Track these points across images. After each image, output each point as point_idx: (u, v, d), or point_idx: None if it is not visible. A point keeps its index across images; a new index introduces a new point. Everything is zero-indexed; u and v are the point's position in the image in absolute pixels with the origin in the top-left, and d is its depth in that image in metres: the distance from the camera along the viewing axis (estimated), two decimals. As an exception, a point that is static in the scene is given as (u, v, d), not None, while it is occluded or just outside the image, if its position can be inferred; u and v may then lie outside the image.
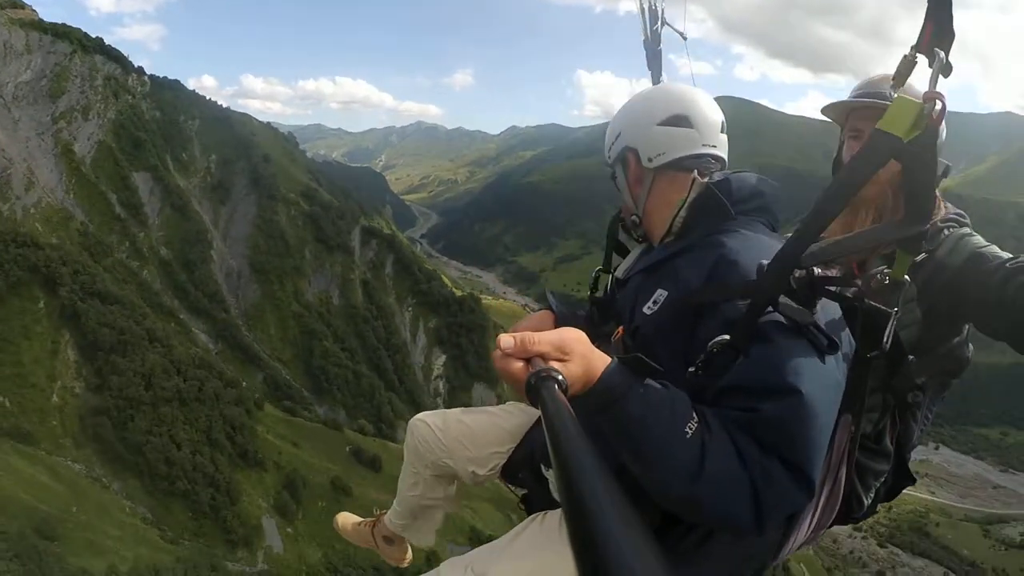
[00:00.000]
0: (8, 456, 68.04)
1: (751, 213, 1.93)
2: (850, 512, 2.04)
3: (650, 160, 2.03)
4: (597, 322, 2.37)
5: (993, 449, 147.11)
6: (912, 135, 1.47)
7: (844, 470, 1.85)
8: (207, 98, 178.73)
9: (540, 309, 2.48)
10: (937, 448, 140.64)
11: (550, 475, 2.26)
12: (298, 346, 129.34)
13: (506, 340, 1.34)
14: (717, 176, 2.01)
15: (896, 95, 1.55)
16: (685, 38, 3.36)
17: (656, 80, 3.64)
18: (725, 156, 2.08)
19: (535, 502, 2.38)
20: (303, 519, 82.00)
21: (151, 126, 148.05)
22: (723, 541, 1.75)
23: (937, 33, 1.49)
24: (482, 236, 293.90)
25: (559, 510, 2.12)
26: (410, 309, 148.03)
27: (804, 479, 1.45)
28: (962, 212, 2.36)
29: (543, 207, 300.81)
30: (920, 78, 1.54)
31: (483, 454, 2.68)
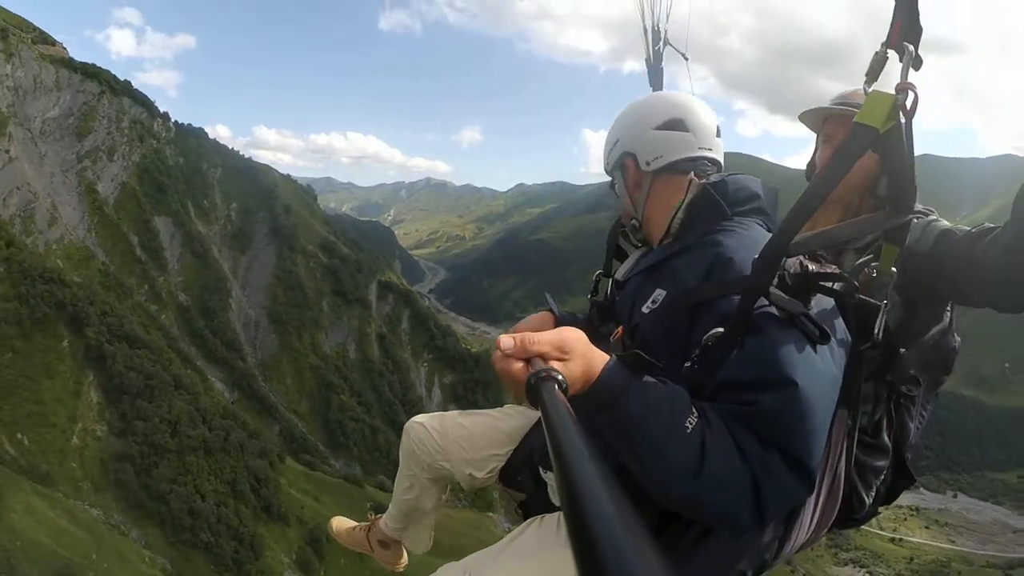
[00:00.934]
0: (29, 497, 65.33)
1: (748, 214, 1.95)
2: (852, 513, 2.03)
3: (648, 164, 2.07)
4: (597, 324, 2.39)
5: (1011, 493, 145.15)
6: (888, 125, 1.52)
7: (843, 465, 1.86)
8: (229, 147, 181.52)
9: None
10: (955, 496, 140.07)
11: (548, 478, 2.26)
12: (315, 399, 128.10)
13: (506, 340, 1.35)
14: (714, 178, 2.04)
15: (871, 89, 1.62)
16: (687, 58, 3.44)
17: None
18: (721, 159, 2.12)
19: (533, 506, 2.36)
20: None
21: (174, 171, 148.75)
22: (721, 539, 1.73)
23: (905, 28, 1.55)
24: (491, 292, 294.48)
25: (556, 514, 2.16)
26: (426, 364, 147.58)
27: (804, 471, 1.47)
28: (929, 207, 2.39)
29: (552, 263, 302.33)
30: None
31: (481, 456, 2.66)
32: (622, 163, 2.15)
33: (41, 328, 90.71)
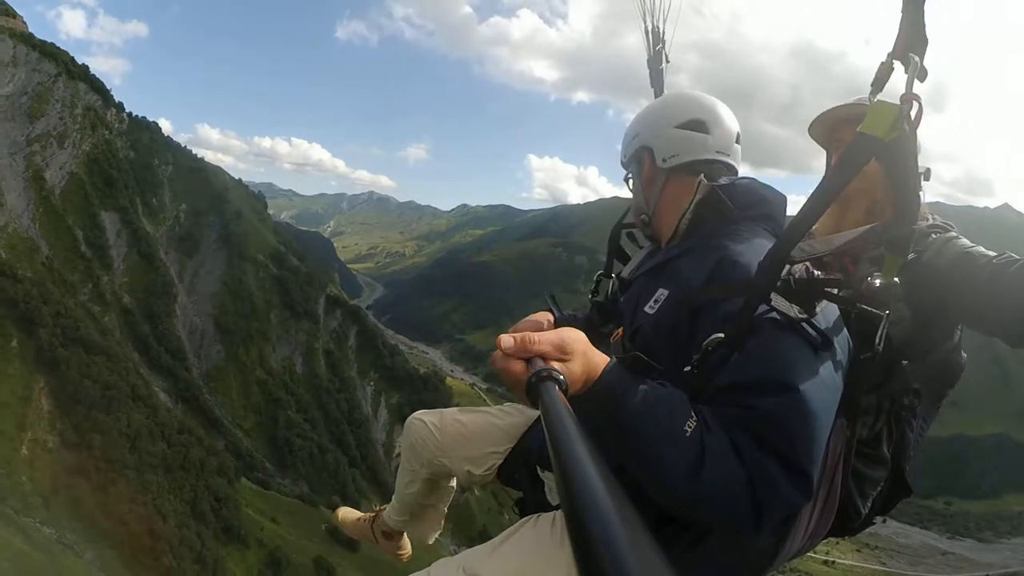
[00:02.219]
0: None
1: (755, 219, 1.97)
2: (847, 522, 2.05)
3: (664, 160, 2.08)
4: (597, 324, 2.48)
5: (938, 519, 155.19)
6: (892, 135, 1.53)
7: (840, 474, 1.86)
8: (183, 146, 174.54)
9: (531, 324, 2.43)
10: (884, 521, 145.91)
11: (546, 477, 2.33)
12: (261, 414, 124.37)
13: (507, 340, 1.35)
14: (723, 181, 2.06)
15: (875, 99, 1.64)
16: (667, 62, 3.57)
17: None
18: (738, 166, 2.13)
19: (530, 504, 2.42)
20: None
21: (124, 165, 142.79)
22: (717, 542, 1.74)
23: (911, 39, 1.56)
24: (430, 312, 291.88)
25: (552, 513, 2.19)
26: (372, 383, 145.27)
27: (802, 477, 1.47)
28: (949, 222, 2.46)
29: (493, 286, 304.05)
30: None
31: (479, 454, 2.71)
32: (639, 157, 2.16)
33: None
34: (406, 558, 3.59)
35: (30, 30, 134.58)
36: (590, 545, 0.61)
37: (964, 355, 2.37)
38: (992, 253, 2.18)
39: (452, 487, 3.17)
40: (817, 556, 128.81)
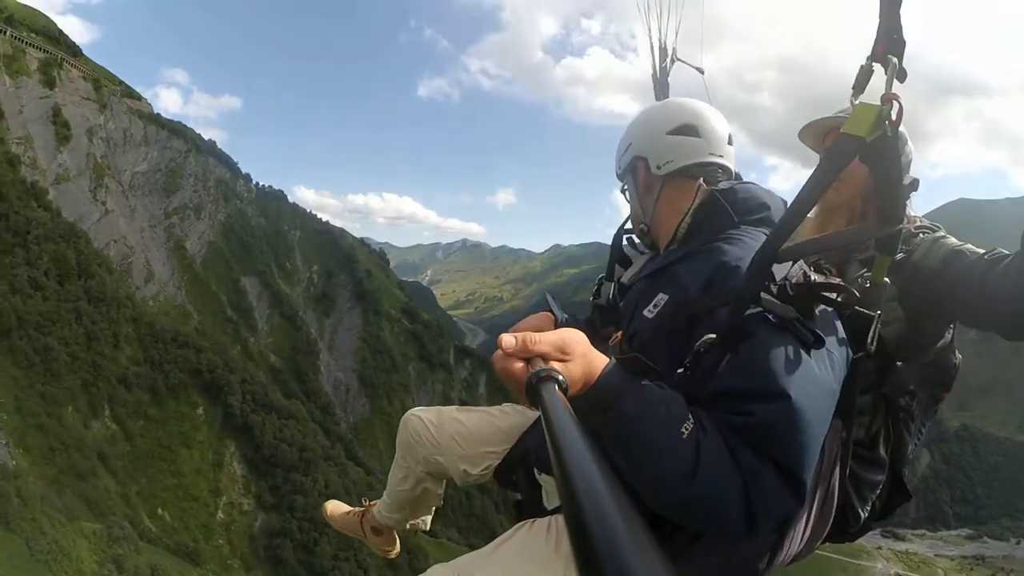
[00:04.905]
0: None
1: (755, 224, 1.94)
2: (846, 527, 2.02)
3: (659, 167, 2.06)
4: (598, 326, 2.42)
5: None
6: (874, 135, 1.54)
7: (837, 476, 1.85)
8: (308, 210, 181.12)
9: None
10: (1019, 543, 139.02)
11: (544, 480, 2.26)
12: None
13: (508, 339, 1.35)
14: (723, 185, 2.04)
15: (857, 102, 1.64)
16: (702, 72, 3.44)
17: None
18: (732, 167, 2.10)
19: (527, 507, 2.35)
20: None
21: (257, 232, 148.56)
22: (712, 545, 1.72)
23: (889, 41, 1.58)
24: None
25: (547, 519, 2.13)
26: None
27: (796, 483, 1.47)
28: (936, 223, 2.42)
29: None
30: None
31: (476, 453, 2.65)
32: (633, 166, 2.13)
33: (174, 395, 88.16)
34: (394, 555, 3.58)
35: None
36: (591, 545, 0.61)
37: (959, 356, 2.37)
38: (981, 250, 2.19)
39: (442, 488, 3.12)
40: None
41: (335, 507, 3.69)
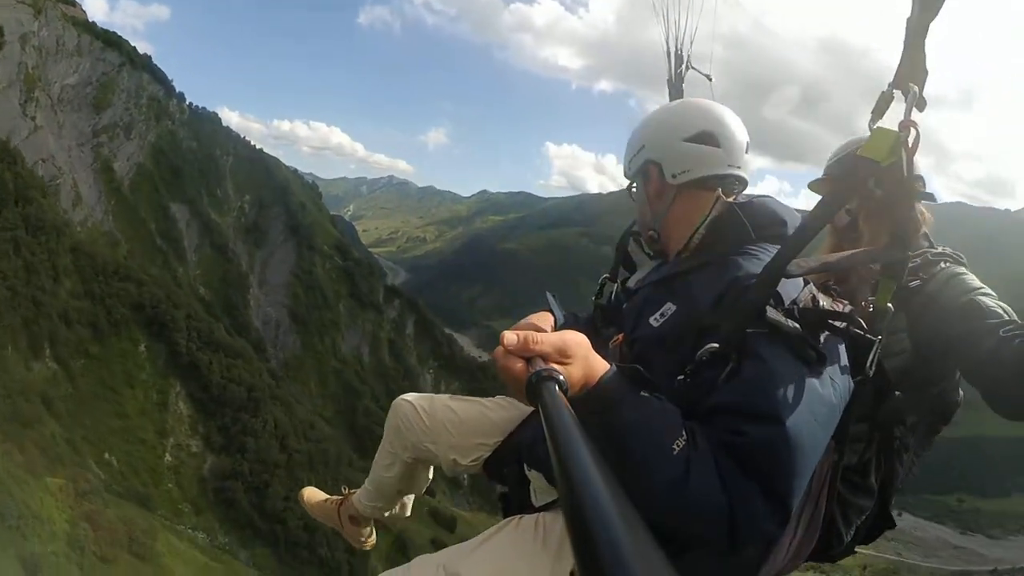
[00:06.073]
0: (163, 533, 63.16)
1: (771, 239, 1.89)
2: (829, 548, 2.03)
3: (674, 176, 1.98)
4: (599, 327, 2.49)
5: (952, 515, 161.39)
6: (890, 160, 1.56)
7: (824, 498, 1.85)
8: (243, 137, 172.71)
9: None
10: (900, 514, 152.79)
11: (533, 476, 2.27)
12: (339, 403, 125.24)
13: (510, 337, 1.34)
14: (741, 198, 2.02)
15: (875, 126, 1.67)
16: (711, 79, 3.43)
17: None
18: (748, 178, 2.05)
19: (514, 502, 2.40)
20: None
21: (188, 156, 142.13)
22: (701, 555, 1.68)
23: (911, 70, 1.61)
24: (458, 298, 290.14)
25: (535, 515, 2.17)
26: (431, 372, 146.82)
27: (781, 509, 1.47)
28: (959, 252, 2.48)
29: (519, 274, 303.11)
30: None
31: (467, 443, 2.65)
32: (645, 170, 2.06)
33: (116, 331, 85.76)
34: (370, 546, 3.54)
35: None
36: (591, 545, 0.61)
37: (961, 393, 2.45)
38: (998, 308, 2.20)
39: (429, 476, 3.15)
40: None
41: (312, 494, 3.63)
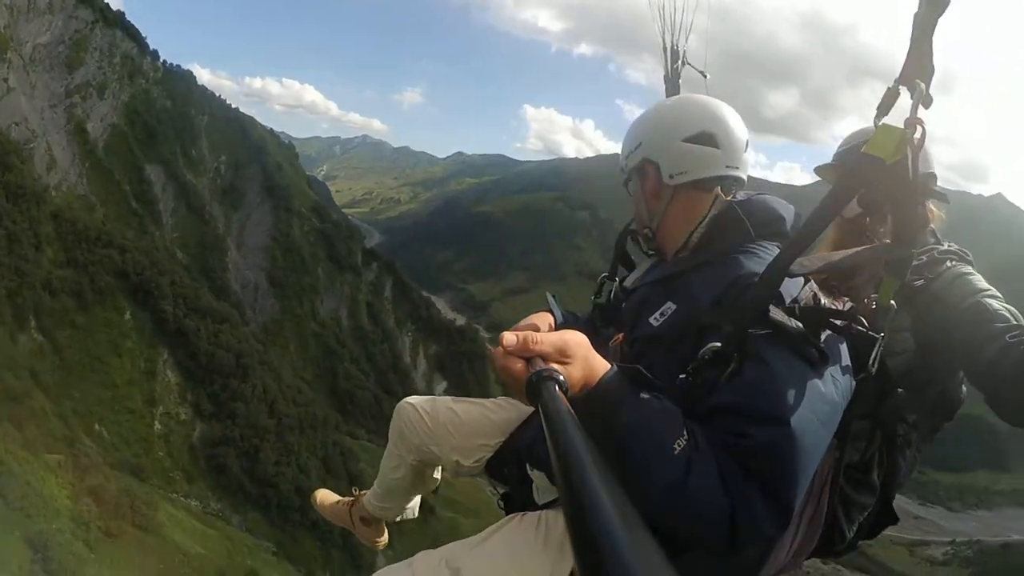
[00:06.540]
0: (162, 503, 63.96)
1: (771, 238, 1.90)
2: (831, 545, 2.03)
3: (671, 177, 1.97)
4: (598, 326, 2.50)
5: (912, 485, 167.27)
6: (895, 158, 1.52)
7: (827, 495, 1.85)
8: (218, 95, 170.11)
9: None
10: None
11: (535, 475, 2.28)
12: (319, 366, 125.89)
13: (509, 337, 1.34)
14: (740, 196, 2.00)
15: (880, 123, 1.64)
16: (706, 76, 3.40)
17: None
18: (746, 177, 2.04)
19: (516, 501, 2.40)
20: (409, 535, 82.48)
21: (162, 116, 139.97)
22: (701, 554, 1.64)
23: (918, 65, 1.57)
24: (431, 260, 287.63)
25: (537, 513, 2.17)
26: (410, 334, 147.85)
27: (783, 511, 1.45)
28: (966, 250, 2.47)
29: (494, 237, 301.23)
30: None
31: (469, 444, 2.67)
32: (642, 168, 2.04)
33: (101, 300, 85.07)
34: (383, 545, 3.58)
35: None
36: (591, 545, 0.61)
37: (964, 389, 2.47)
38: (1006, 312, 2.20)
39: (437, 477, 3.15)
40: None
41: (324, 496, 3.69)
